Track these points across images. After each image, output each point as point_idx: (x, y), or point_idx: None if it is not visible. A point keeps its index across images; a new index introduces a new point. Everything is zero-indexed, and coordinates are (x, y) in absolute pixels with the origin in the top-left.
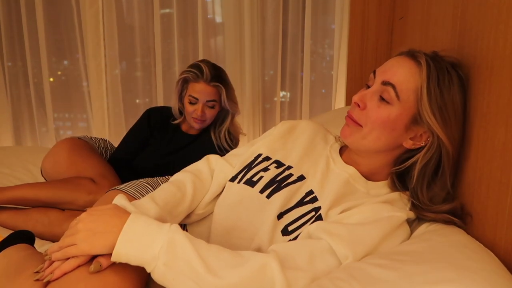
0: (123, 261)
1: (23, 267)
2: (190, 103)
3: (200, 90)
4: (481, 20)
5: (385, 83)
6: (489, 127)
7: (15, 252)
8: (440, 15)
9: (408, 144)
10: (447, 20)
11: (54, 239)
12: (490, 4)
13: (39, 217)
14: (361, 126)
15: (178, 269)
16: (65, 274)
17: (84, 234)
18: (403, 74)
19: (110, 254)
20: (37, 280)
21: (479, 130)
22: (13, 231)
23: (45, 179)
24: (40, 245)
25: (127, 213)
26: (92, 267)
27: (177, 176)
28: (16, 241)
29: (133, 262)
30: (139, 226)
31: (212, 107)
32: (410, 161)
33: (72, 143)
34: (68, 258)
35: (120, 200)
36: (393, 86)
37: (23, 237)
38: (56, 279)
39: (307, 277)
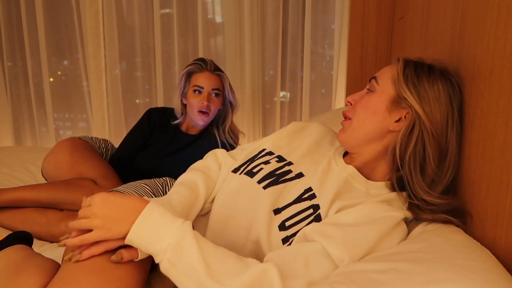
0: (136, 247)
1: (22, 267)
2: (195, 92)
3: (205, 78)
4: (481, 20)
5: (370, 79)
6: (489, 127)
7: (14, 252)
8: (440, 15)
9: (393, 126)
10: (447, 20)
11: (51, 239)
12: (490, 4)
13: (36, 217)
14: (351, 119)
15: (182, 269)
16: (93, 256)
17: (100, 221)
18: (384, 69)
19: (134, 248)
20: (69, 259)
21: (479, 130)
22: (11, 232)
23: (45, 179)
24: (39, 246)
25: (143, 202)
26: (114, 257)
27: (188, 175)
28: (14, 242)
29: (144, 251)
30: (154, 218)
31: (217, 96)
32: (399, 138)
33: (73, 144)
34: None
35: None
36: (375, 78)
37: (22, 238)
38: (85, 260)
39: (304, 283)
